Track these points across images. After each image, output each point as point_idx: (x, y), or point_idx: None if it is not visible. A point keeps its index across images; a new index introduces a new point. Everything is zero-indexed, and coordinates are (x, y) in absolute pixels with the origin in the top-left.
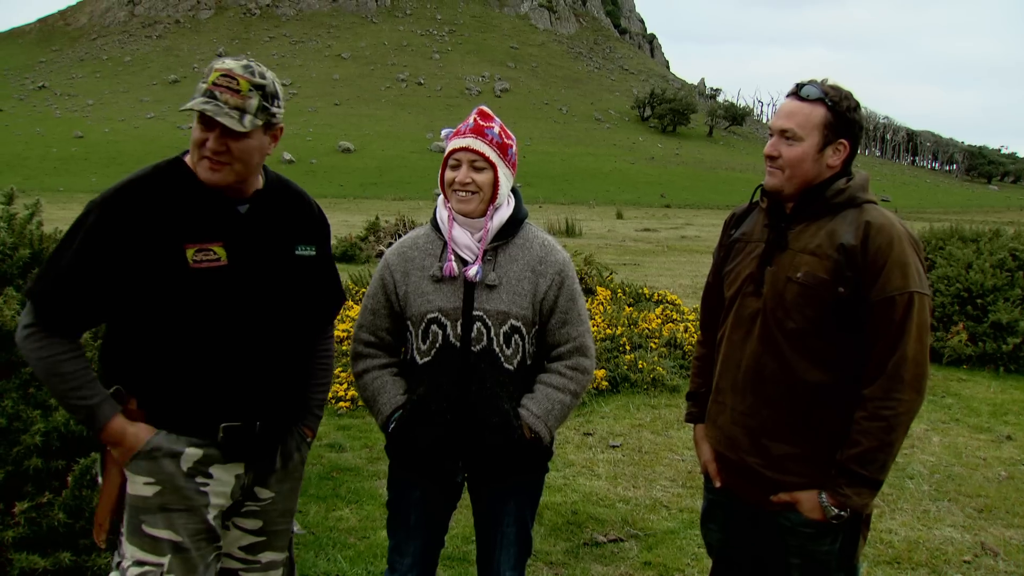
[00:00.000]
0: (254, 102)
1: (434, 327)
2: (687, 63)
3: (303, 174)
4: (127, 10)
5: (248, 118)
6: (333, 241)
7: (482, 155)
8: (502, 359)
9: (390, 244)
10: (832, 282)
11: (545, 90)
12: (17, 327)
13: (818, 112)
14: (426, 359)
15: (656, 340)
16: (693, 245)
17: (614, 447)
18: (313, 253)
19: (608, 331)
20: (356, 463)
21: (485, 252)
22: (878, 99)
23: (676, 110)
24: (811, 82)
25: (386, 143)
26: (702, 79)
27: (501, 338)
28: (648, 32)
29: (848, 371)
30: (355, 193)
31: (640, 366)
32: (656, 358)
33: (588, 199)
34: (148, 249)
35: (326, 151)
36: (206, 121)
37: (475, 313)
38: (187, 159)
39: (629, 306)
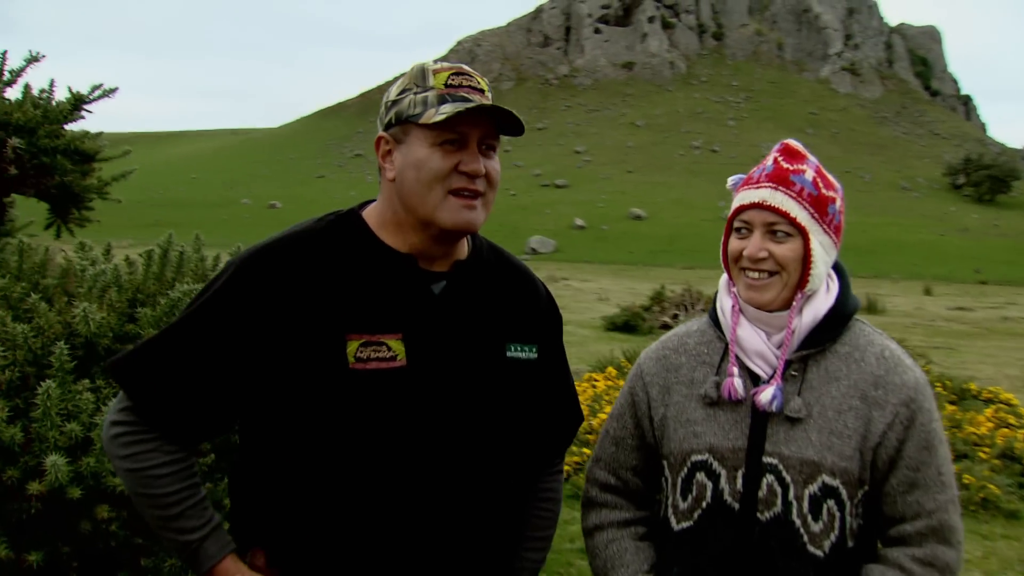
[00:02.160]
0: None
1: (700, 475)
2: (1008, 125)
3: (594, 240)
4: None
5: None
6: (615, 310)
7: (785, 215)
8: (805, 538)
9: (675, 316)
10: None
11: (846, 157)
12: (105, 422)
13: None
14: (685, 524)
15: (987, 449)
16: (1018, 328)
17: None
18: (534, 356)
19: None
20: None
21: (788, 365)
22: None
23: (995, 176)
24: None
25: (678, 211)
26: None
27: (806, 503)
28: (962, 93)
29: None
30: (644, 260)
31: (966, 481)
32: (987, 472)
33: (892, 273)
34: (293, 336)
35: (617, 217)
36: (459, 134)
37: (767, 460)
38: (367, 215)
39: (951, 404)
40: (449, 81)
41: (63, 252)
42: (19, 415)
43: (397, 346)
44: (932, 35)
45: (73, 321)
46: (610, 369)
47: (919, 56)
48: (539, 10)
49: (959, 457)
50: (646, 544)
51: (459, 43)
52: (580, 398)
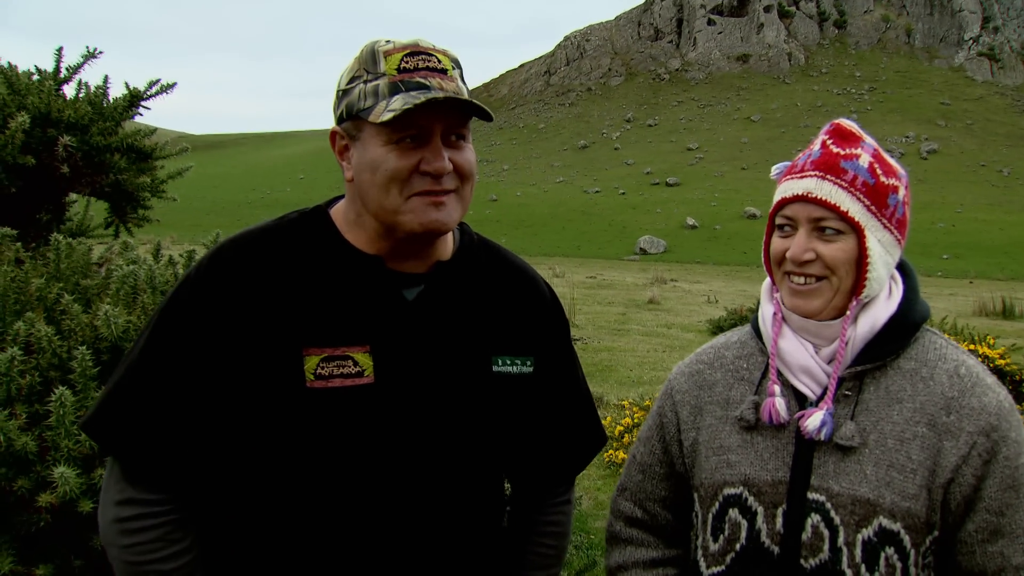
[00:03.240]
0: (465, 86)
1: (734, 512)
2: None
3: (706, 240)
4: (544, 80)
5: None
6: (722, 312)
7: (835, 209)
8: None
9: None
10: None
11: (982, 150)
12: (101, 504)
13: None
14: (716, 569)
15: None
16: None
17: None
18: (529, 370)
19: None
20: None
21: (840, 383)
22: None
23: None
24: None
25: None
26: None
27: (859, 550)
28: None
29: None
30: (758, 261)
31: None
32: None
33: None
34: (245, 351)
35: (731, 217)
36: (418, 128)
37: (812, 497)
38: (334, 212)
39: None
40: (402, 65)
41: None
42: (37, 421)
43: (364, 360)
44: None
45: (98, 324)
46: None
47: None
48: (650, 2)
49: None
50: None
51: (566, 38)
52: None
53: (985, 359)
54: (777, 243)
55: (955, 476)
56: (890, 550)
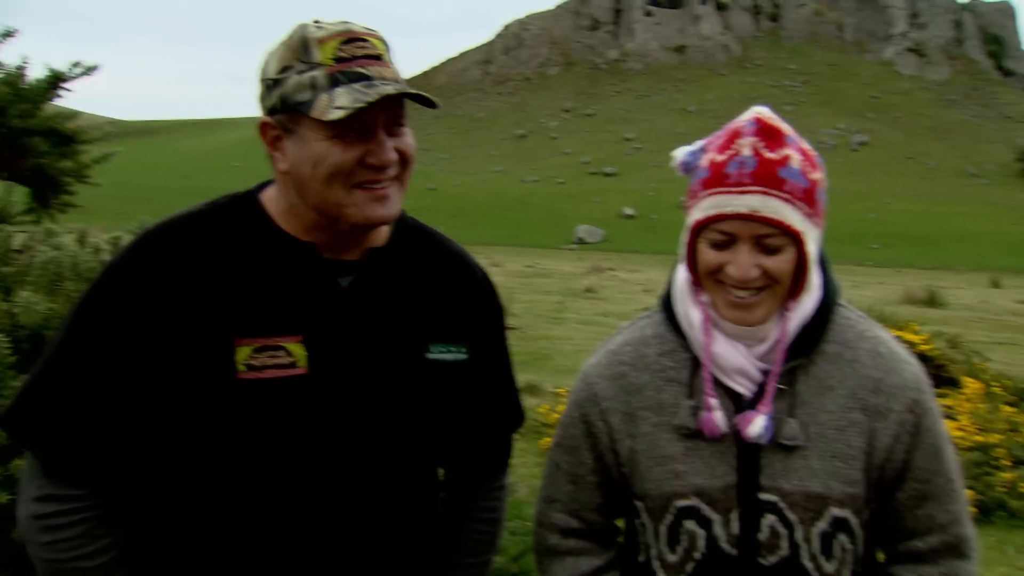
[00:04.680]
0: (397, 69)
1: (689, 523)
2: None
3: (643, 229)
4: (482, 69)
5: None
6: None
7: (781, 224)
8: None
9: None
10: None
11: (909, 143)
12: (20, 500)
13: None
14: None
15: None
16: None
17: None
18: (464, 356)
19: (978, 438)
20: None
21: (778, 380)
22: None
23: None
24: None
25: None
26: None
27: (816, 543)
28: None
29: None
30: None
31: (1022, 490)
32: None
33: (956, 264)
34: (174, 341)
35: (668, 206)
36: (363, 123)
37: (764, 498)
38: (265, 198)
39: (1009, 405)
40: (339, 54)
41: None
42: None
43: (297, 350)
44: (1005, 12)
45: (16, 312)
46: None
47: (991, 34)
48: None
49: (1016, 463)
50: None
51: (506, 27)
52: None
53: (909, 345)
54: (711, 256)
55: (889, 455)
56: (843, 536)
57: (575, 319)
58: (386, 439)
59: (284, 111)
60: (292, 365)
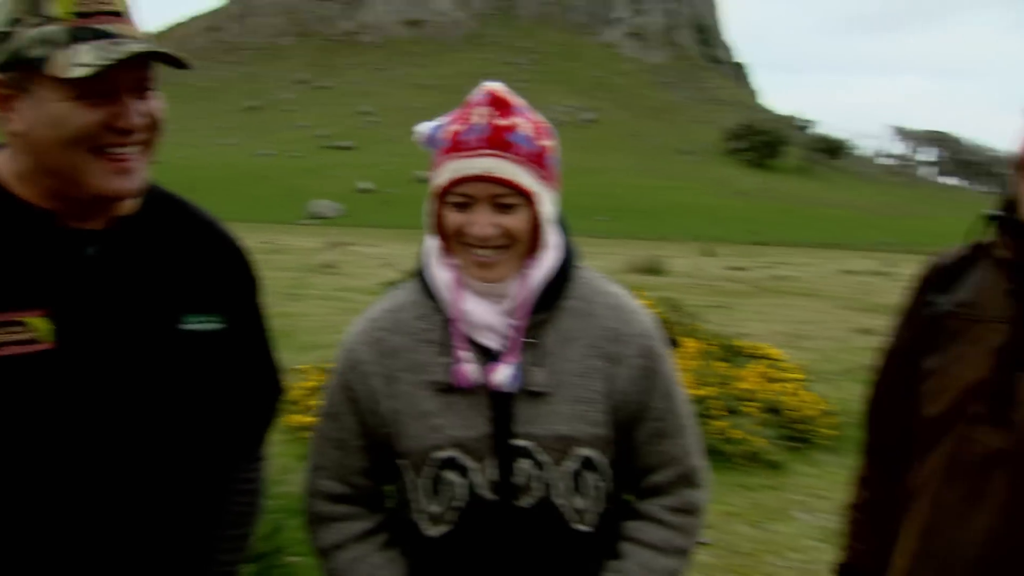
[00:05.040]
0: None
1: (449, 473)
2: (778, 93)
3: (381, 203)
4: (210, 36)
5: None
6: (397, 275)
7: (513, 185)
8: (571, 517)
9: None
10: None
11: (633, 121)
12: None
13: None
14: (442, 528)
15: (754, 404)
16: (787, 286)
17: (700, 544)
18: (220, 326)
19: (697, 392)
20: None
21: (525, 333)
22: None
23: (768, 143)
24: None
25: None
26: (795, 110)
27: (567, 481)
28: (737, 61)
29: None
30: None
31: (733, 436)
32: (754, 426)
33: (675, 235)
34: None
35: (405, 181)
36: (107, 83)
37: (518, 444)
38: None
39: (722, 361)
40: (78, 8)
41: None
42: None
43: (40, 325)
44: (710, 3)
45: None
46: None
47: (699, 23)
48: None
49: (727, 412)
50: (395, 553)
51: None
52: None
53: None
54: (454, 218)
55: (627, 397)
56: (590, 474)
57: (315, 295)
58: (143, 414)
59: (16, 68)
60: (32, 341)
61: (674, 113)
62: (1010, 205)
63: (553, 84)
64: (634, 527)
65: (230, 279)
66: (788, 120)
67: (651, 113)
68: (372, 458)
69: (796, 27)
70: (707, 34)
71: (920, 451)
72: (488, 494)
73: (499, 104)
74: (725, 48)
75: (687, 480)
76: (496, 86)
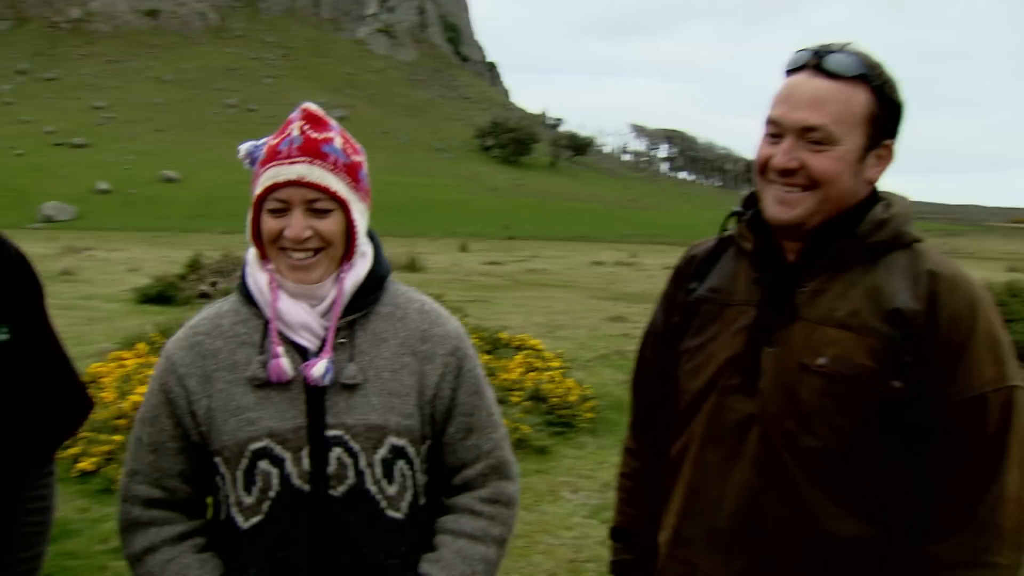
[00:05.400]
0: None
1: (263, 464)
2: (526, 93)
3: (121, 205)
4: None
5: None
6: (147, 280)
7: (326, 190)
8: (383, 503)
9: (214, 284)
10: (880, 372)
11: (385, 119)
12: None
13: (860, 98)
14: (255, 519)
15: (518, 393)
16: (541, 279)
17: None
18: (6, 337)
19: None
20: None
21: (336, 333)
22: (716, 130)
23: (519, 140)
24: (843, 48)
25: (214, 173)
26: (543, 109)
27: (378, 468)
28: (488, 60)
29: (904, 517)
30: (179, 226)
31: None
32: (519, 414)
33: (430, 231)
34: None
35: (147, 180)
36: None
37: (331, 434)
38: None
39: (487, 353)
40: None
41: None
42: None
43: None
44: (460, 3)
45: None
46: (140, 345)
47: (449, 23)
48: None
49: (498, 403)
50: (209, 555)
51: None
52: (108, 380)
53: None
54: (272, 223)
55: (437, 392)
56: (401, 463)
57: (56, 304)
58: None
59: None
60: None
61: (426, 111)
62: (752, 201)
63: (302, 80)
64: (449, 519)
65: (13, 288)
66: (538, 118)
67: (403, 110)
68: (189, 461)
69: (542, 30)
70: (458, 33)
71: (682, 421)
72: (302, 484)
73: (313, 120)
74: (477, 47)
75: (498, 472)
76: (311, 106)
